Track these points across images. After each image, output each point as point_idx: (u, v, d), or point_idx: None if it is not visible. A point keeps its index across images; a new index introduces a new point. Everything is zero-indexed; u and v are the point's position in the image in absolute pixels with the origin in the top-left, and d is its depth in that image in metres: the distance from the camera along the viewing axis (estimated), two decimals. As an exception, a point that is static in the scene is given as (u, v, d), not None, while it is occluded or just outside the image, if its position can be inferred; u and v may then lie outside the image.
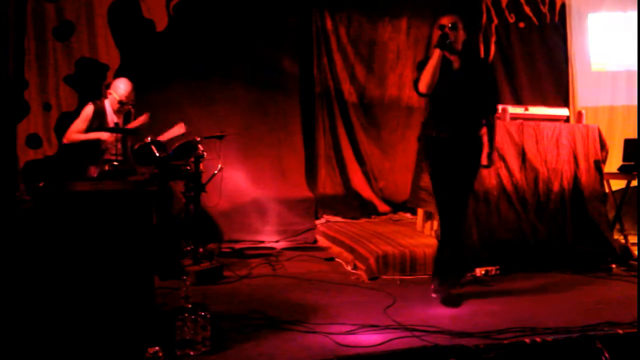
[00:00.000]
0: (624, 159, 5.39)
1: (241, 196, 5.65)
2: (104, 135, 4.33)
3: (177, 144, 4.28)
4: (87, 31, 5.39)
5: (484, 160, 3.68)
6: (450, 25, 3.47)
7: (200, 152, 4.18)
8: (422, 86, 3.47)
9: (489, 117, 3.68)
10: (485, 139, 3.68)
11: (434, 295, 3.58)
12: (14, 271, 2.51)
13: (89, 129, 4.36)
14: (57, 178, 4.83)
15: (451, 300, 3.51)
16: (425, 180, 4.76)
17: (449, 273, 3.62)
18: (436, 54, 3.40)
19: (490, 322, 3.10)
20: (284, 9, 6.06)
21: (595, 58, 6.94)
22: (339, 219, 6.07)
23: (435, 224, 4.80)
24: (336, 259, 4.83)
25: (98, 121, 4.35)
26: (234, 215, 5.56)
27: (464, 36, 3.54)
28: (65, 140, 4.43)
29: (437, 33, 3.49)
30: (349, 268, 4.52)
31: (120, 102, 4.39)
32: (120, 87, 4.39)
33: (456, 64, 3.54)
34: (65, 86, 5.32)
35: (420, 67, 3.51)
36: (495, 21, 6.78)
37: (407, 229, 5.33)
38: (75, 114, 4.60)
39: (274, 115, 5.99)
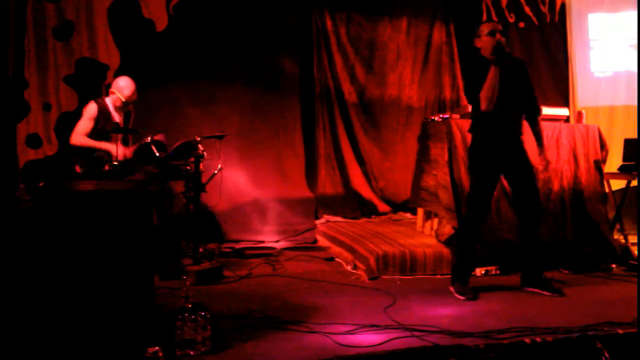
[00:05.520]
0: (624, 159, 5.39)
1: (241, 196, 5.65)
2: (113, 149, 4.21)
3: (177, 144, 4.28)
4: (87, 31, 5.38)
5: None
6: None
7: (200, 152, 4.17)
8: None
9: None
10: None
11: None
12: (14, 271, 2.51)
13: (94, 129, 4.36)
14: (57, 178, 4.83)
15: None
16: (426, 180, 4.76)
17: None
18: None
19: (490, 322, 3.10)
20: (284, 9, 6.06)
21: (595, 58, 6.94)
22: (339, 218, 6.06)
23: (435, 223, 4.80)
24: (336, 259, 4.82)
25: (103, 119, 4.36)
26: (234, 215, 5.55)
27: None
28: (72, 142, 4.36)
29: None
30: (349, 268, 4.51)
31: (124, 102, 4.41)
32: (124, 87, 4.41)
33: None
34: (65, 86, 5.31)
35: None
36: (495, 21, 6.78)
37: (407, 229, 5.32)
38: (75, 113, 4.59)
39: (274, 115, 5.98)
